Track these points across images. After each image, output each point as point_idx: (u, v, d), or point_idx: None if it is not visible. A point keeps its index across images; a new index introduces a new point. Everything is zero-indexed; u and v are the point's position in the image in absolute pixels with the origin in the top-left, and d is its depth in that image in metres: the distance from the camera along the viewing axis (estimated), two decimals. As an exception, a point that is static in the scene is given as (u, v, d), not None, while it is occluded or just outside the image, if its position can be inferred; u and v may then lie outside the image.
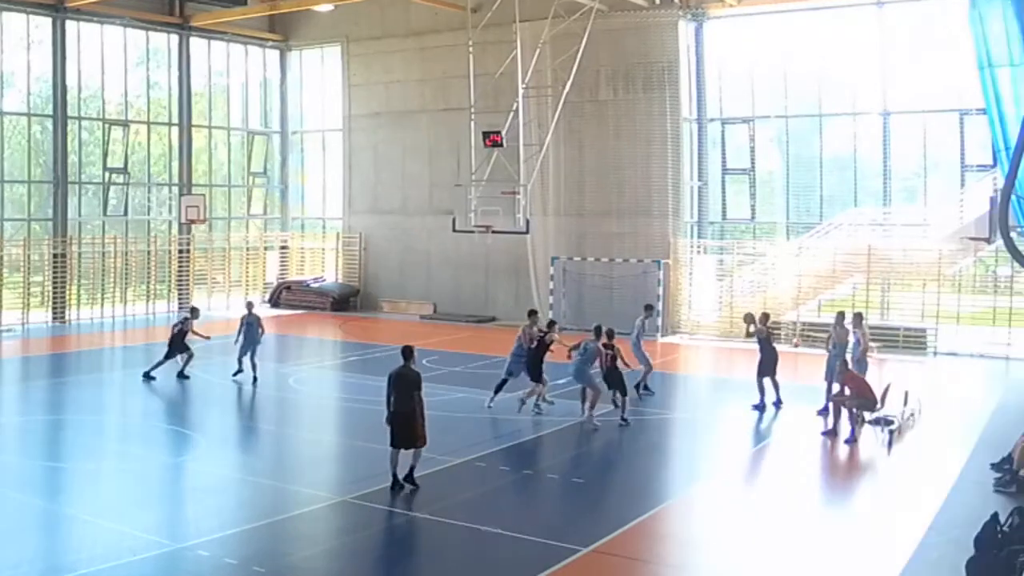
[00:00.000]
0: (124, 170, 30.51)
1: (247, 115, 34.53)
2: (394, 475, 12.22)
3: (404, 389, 12.20)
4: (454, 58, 28.63)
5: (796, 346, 21.56)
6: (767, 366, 17.43)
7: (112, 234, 30.47)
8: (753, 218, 28.52)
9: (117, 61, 30.13)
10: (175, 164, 32.12)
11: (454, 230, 26.67)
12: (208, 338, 20.50)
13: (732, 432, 16.88)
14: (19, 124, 28.64)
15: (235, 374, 19.40)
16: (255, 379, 19.22)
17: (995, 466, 13.10)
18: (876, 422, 15.34)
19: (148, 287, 30.95)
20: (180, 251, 31.73)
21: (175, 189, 31.94)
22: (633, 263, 27.66)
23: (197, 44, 32.21)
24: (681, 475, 14.57)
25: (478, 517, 11.48)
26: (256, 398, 18.87)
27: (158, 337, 26.92)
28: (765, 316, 18.08)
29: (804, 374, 19.56)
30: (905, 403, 16.17)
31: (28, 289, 28.13)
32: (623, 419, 16.14)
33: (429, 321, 30.64)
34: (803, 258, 26.35)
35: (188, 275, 31.76)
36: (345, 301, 33.08)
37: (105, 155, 30.00)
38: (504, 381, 17.12)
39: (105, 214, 30.33)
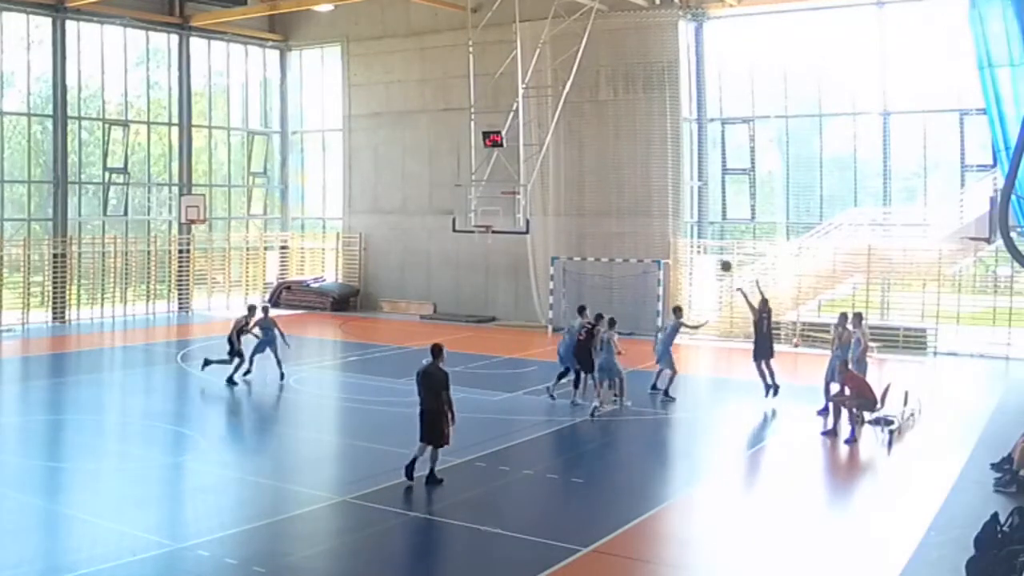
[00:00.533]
0: (124, 170, 30.48)
1: (247, 115, 34.52)
2: (411, 463, 12.34)
3: (430, 387, 12.46)
4: (454, 58, 28.66)
5: (796, 346, 21.58)
6: (762, 350, 17.53)
7: (112, 234, 30.44)
8: (753, 218, 28.51)
9: (117, 61, 30.12)
10: (175, 164, 32.10)
11: (454, 230, 26.67)
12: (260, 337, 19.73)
13: (732, 432, 16.87)
14: (19, 124, 28.62)
15: (245, 373, 19.34)
16: (282, 375, 19.39)
17: (995, 466, 13.10)
18: (876, 422, 15.34)
19: (148, 287, 30.92)
20: (180, 251, 31.71)
21: (175, 189, 31.93)
22: (633, 263, 27.64)
23: (197, 44, 32.20)
24: (681, 475, 14.57)
25: (478, 517, 11.49)
26: (256, 398, 18.87)
27: (158, 337, 27.16)
28: (764, 301, 18.12)
29: (804, 374, 19.57)
30: (905, 403, 16.16)
31: (28, 289, 28.10)
32: (593, 411, 16.46)
33: (429, 321, 30.63)
34: (803, 258, 26.33)
35: (188, 275, 31.75)
36: (345, 301, 33.07)
37: (105, 155, 29.98)
38: (564, 372, 17.90)
39: (105, 214, 30.31)
